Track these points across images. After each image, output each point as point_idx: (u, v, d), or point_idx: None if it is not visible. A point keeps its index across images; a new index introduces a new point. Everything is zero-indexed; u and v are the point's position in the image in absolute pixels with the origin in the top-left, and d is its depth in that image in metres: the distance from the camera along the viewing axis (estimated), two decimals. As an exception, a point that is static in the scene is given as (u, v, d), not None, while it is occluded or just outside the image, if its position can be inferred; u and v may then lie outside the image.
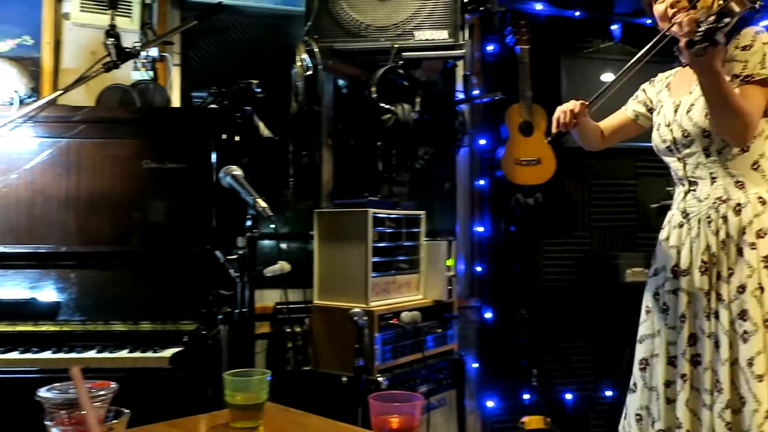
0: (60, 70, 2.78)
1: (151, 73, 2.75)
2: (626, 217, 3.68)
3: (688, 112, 1.86)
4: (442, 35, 2.71)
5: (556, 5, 3.60)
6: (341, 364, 2.48)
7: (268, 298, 2.96)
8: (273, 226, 1.90)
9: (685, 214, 1.90)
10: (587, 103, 2.01)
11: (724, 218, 1.80)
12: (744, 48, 1.77)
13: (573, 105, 2.00)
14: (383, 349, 2.48)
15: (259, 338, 2.92)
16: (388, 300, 2.63)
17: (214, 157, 2.32)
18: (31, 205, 2.26)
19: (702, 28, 1.52)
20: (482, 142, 3.50)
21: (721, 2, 1.56)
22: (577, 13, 3.62)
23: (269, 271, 1.88)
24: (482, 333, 3.47)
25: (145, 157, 2.31)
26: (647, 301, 2.01)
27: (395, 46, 2.67)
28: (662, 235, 2.00)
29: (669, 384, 1.89)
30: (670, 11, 1.83)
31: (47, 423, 0.98)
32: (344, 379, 2.45)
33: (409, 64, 2.76)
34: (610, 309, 3.52)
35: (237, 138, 2.38)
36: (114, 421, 0.99)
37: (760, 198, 1.78)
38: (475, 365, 3.43)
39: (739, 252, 1.77)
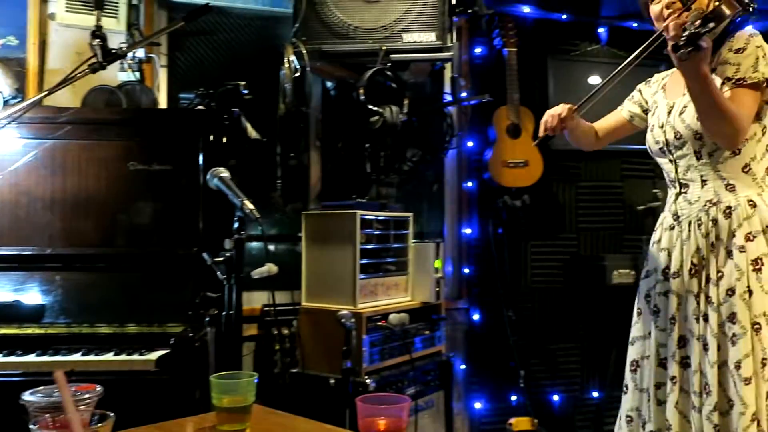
0: (45, 70, 2.76)
1: (137, 74, 2.73)
2: (613, 219, 3.70)
3: (681, 114, 1.87)
4: (429, 37, 2.71)
5: (544, 8, 3.62)
6: (329, 366, 2.47)
7: (255, 300, 2.95)
8: (261, 227, 1.89)
9: (676, 217, 1.91)
10: (575, 107, 2.03)
11: (714, 221, 1.81)
12: (737, 51, 1.77)
13: (561, 109, 2.03)
14: (371, 351, 2.47)
15: (246, 340, 2.91)
16: (376, 302, 2.63)
17: (201, 158, 2.31)
18: (15, 206, 2.24)
19: (686, 33, 1.53)
20: (470, 144, 3.51)
21: (716, 4, 1.58)
22: (564, 16, 3.65)
23: (257, 273, 1.87)
24: (470, 335, 3.48)
25: (132, 159, 2.30)
26: (639, 303, 2.02)
27: (383, 48, 2.67)
28: (654, 237, 2.00)
29: (659, 386, 1.89)
30: (666, 12, 1.82)
31: (32, 427, 0.97)
32: (332, 381, 2.44)
33: (397, 66, 2.77)
34: (597, 311, 3.55)
35: (224, 140, 2.37)
36: (99, 425, 0.98)
37: (750, 201, 1.78)
38: (463, 367, 3.43)
39: (729, 255, 1.77)
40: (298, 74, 2.68)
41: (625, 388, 2.02)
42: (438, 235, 3.44)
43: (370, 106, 2.71)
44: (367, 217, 2.60)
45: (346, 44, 2.71)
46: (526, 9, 3.58)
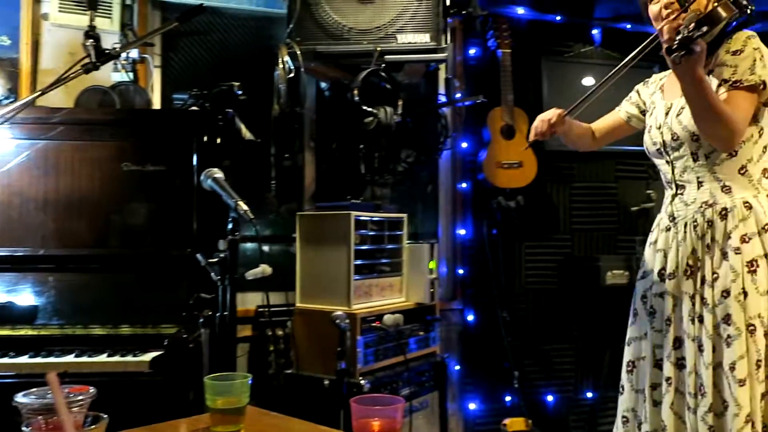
0: (38, 71, 2.75)
1: (131, 74, 2.73)
2: (607, 220, 3.71)
3: (678, 115, 1.87)
4: (424, 39, 2.72)
5: (538, 10, 3.63)
6: (323, 367, 2.47)
7: (250, 301, 2.95)
8: (256, 228, 1.89)
9: (672, 218, 1.91)
10: (565, 112, 2.06)
11: (710, 222, 1.81)
12: (734, 53, 1.76)
13: (551, 114, 2.06)
14: (365, 352, 2.47)
15: (240, 341, 2.91)
16: (371, 303, 2.63)
17: (195, 159, 2.30)
18: (8, 207, 2.23)
19: (678, 37, 1.53)
20: (464, 145, 3.51)
21: (714, 4, 1.58)
22: (558, 18, 3.65)
23: (251, 274, 1.87)
24: (464, 335, 3.48)
25: (125, 160, 2.29)
26: (635, 304, 2.02)
27: (378, 49, 2.67)
28: (650, 238, 2.01)
29: (655, 386, 1.90)
30: (664, 12, 1.82)
31: (24, 429, 0.96)
32: (326, 382, 2.44)
33: (391, 68, 2.77)
34: (591, 311, 3.56)
35: (218, 140, 2.37)
36: (92, 427, 0.98)
37: (746, 203, 1.78)
38: (458, 368, 3.44)
39: (724, 256, 1.77)
40: (292, 75, 2.68)
41: (621, 389, 2.02)
42: (432, 236, 3.44)
43: (365, 107, 2.71)
44: (361, 218, 2.60)
45: (340, 45, 2.71)
46: (520, 10, 3.59)
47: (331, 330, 2.21)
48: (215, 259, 1.82)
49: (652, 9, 1.88)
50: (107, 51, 2.06)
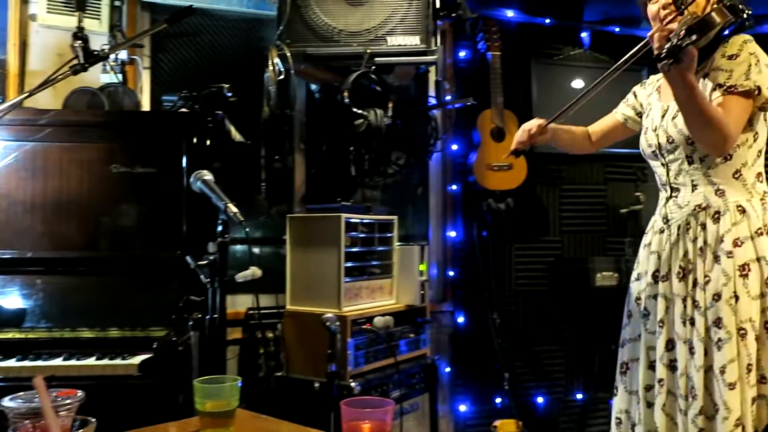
0: (26, 72, 2.73)
1: (120, 76, 2.72)
2: (596, 222, 3.72)
3: (674, 118, 1.86)
4: (414, 41, 2.72)
5: (527, 12, 3.64)
6: (314, 369, 2.47)
7: (240, 304, 2.94)
8: (246, 230, 1.88)
9: (666, 220, 1.92)
10: (545, 123, 2.09)
11: (703, 226, 1.81)
12: (730, 57, 1.76)
13: (531, 125, 2.10)
14: (356, 354, 2.47)
15: (231, 344, 2.90)
16: (361, 305, 2.63)
17: (184, 161, 2.29)
18: (-5, 209, 2.21)
19: (667, 46, 1.53)
20: (454, 147, 3.52)
21: (715, 6, 1.58)
22: (548, 21, 3.67)
23: (240, 276, 1.86)
24: (455, 337, 3.49)
25: (114, 162, 2.28)
26: (629, 305, 2.02)
27: (368, 51, 2.67)
28: (645, 240, 2.01)
29: (649, 388, 1.90)
30: (662, 12, 1.82)
31: (11, 433, 0.95)
32: (317, 384, 2.43)
33: (381, 70, 2.77)
34: (580, 313, 3.57)
35: (208, 142, 2.36)
36: (80, 431, 0.97)
37: (739, 207, 1.78)
38: (448, 369, 3.44)
39: (716, 260, 1.77)
40: (282, 77, 2.68)
41: (615, 390, 2.03)
42: (423, 238, 3.44)
43: (355, 109, 2.70)
44: (351, 220, 2.60)
45: (330, 47, 2.71)
46: (509, 13, 3.60)
47: (322, 332, 2.20)
48: (205, 262, 1.81)
49: (651, 9, 1.88)
50: (96, 52, 2.05)
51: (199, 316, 2.04)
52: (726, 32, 1.72)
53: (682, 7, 1.71)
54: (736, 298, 1.72)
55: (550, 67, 3.65)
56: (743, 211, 1.78)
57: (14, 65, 2.70)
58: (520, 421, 3.27)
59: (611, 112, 2.21)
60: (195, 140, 2.33)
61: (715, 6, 1.57)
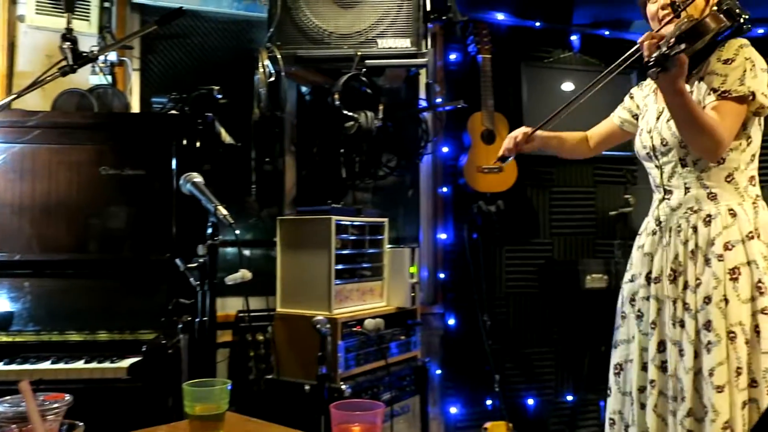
0: (14, 73, 2.71)
1: (109, 77, 2.70)
2: (586, 224, 3.74)
3: (668, 120, 1.86)
4: (404, 43, 2.72)
5: (518, 16, 3.66)
6: (304, 372, 2.46)
7: (230, 306, 2.93)
8: (237, 232, 1.88)
9: (659, 222, 1.92)
10: (531, 131, 2.11)
11: (695, 228, 1.82)
12: (725, 61, 1.76)
13: (517, 132, 2.12)
14: (346, 357, 2.47)
15: (221, 347, 2.89)
16: (352, 307, 2.62)
17: (174, 163, 2.29)
18: (-18, 212, 2.20)
19: (655, 54, 1.54)
20: (445, 149, 3.53)
21: (710, 12, 1.58)
22: (538, 24, 3.69)
23: (230, 279, 1.85)
24: (445, 340, 3.49)
25: (103, 164, 2.26)
26: (623, 306, 2.03)
27: (358, 53, 2.67)
28: (638, 241, 2.01)
29: (642, 389, 1.91)
30: (661, 12, 1.83)
31: (-3, 437, 0.95)
32: (307, 387, 2.43)
33: (372, 72, 2.77)
34: (570, 315, 3.58)
35: (198, 144, 2.35)
36: (68, 435, 0.97)
37: (731, 210, 1.79)
38: (439, 372, 3.44)
39: (707, 263, 1.78)
40: (272, 79, 2.67)
41: (608, 391, 2.04)
42: (413, 241, 3.44)
43: (345, 112, 2.70)
44: (342, 222, 2.59)
45: (320, 49, 2.71)
46: (500, 16, 3.62)
47: (312, 335, 2.20)
48: (194, 264, 1.80)
49: (650, 8, 1.89)
50: (85, 54, 2.05)
51: (189, 318, 2.03)
52: (723, 35, 1.71)
53: (679, 9, 1.71)
54: (726, 301, 1.73)
55: (540, 69, 3.67)
56: (734, 215, 1.78)
57: (2, 66, 2.68)
58: (511, 423, 3.27)
59: (607, 115, 2.21)
60: (185, 142, 2.32)
61: (712, 11, 1.58)
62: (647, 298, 1.92)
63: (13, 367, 1.93)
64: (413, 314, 2.84)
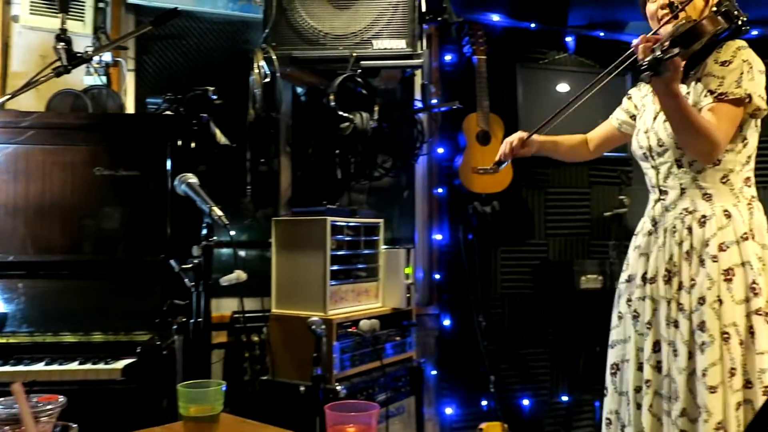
0: (8, 74, 2.70)
1: (104, 78, 2.69)
2: (581, 225, 3.75)
3: (665, 121, 1.86)
4: (400, 44, 2.72)
5: (513, 17, 3.66)
6: (299, 373, 2.46)
7: (225, 307, 2.92)
8: (232, 233, 1.88)
9: (654, 222, 1.93)
10: (526, 136, 2.12)
11: (689, 229, 1.82)
12: (723, 63, 1.76)
13: (513, 138, 2.13)
14: (342, 358, 2.47)
15: (216, 348, 2.88)
16: (347, 308, 2.62)
17: (169, 164, 2.28)
18: (-24, 213, 2.19)
19: (648, 57, 1.54)
20: (440, 150, 3.53)
21: (708, 14, 1.58)
22: (533, 25, 3.70)
23: (225, 280, 1.85)
24: (441, 340, 3.49)
25: (98, 164, 2.26)
26: (620, 306, 2.03)
27: (354, 54, 2.67)
28: (635, 242, 2.02)
29: (638, 389, 1.91)
30: (660, 12, 1.83)
31: (-10, 439, 0.94)
32: (302, 388, 2.43)
33: (367, 73, 2.77)
34: (565, 315, 3.59)
35: (193, 145, 2.34)
36: (61, 436, 0.96)
37: (726, 211, 1.79)
38: (434, 372, 3.44)
39: (702, 263, 1.78)
40: (267, 80, 2.67)
41: (605, 391, 2.04)
42: (409, 241, 3.45)
43: (341, 113, 2.70)
44: (337, 223, 2.59)
45: (316, 50, 2.71)
46: (495, 17, 3.62)
47: (307, 336, 2.20)
48: (189, 265, 1.80)
49: (650, 8, 1.89)
50: (79, 54, 2.05)
51: (184, 319, 2.03)
52: (721, 37, 1.69)
53: (677, 10, 1.71)
54: (720, 302, 1.73)
55: (535, 71, 3.67)
56: (729, 216, 1.79)
57: (-4, 67, 2.67)
58: (506, 423, 3.28)
59: (601, 117, 2.22)
60: (180, 143, 2.31)
61: (710, 12, 1.58)
62: (643, 299, 1.92)
63: (7, 368, 1.92)
64: (408, 315, 2.84)
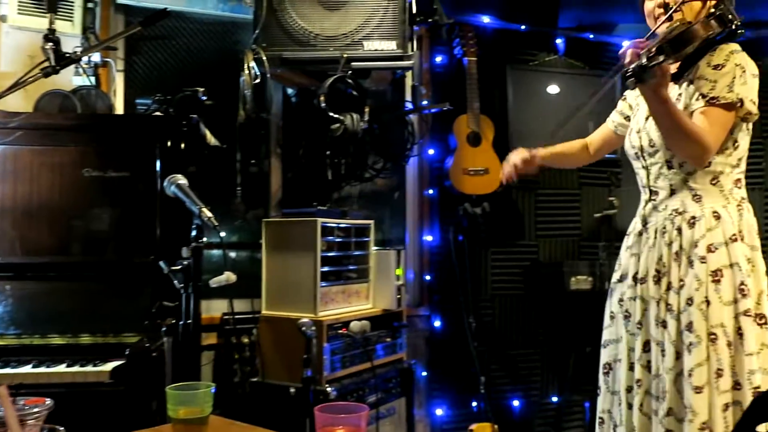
0: (-4, 74, 2.68)
1: (93, 78, 2.68)
2: (571, 226, 3.76)
3: None
4: (390, 46, 2.73)
5: (503, 18, 3.67)
6: (289, 375, 2.45)
7: (215, 309, 2.91)
8: (222, 234, 1.87)
9: (645, 223, 1.94)
10: (528, 155, 2.12)
11: (679, 230, 1.83)
12: (715, 67, 1.76)
13: (515, 159, 2.12)
14: (332, 359, 2.46)
15: (205, 349, 2.87)
16: (337, 309, 2.62)
17: (158, 165, 2.27)
18: (-37, 214, 2.17)
19: (634, 64, 1.55)
20: (431, 152, 3.53)
21: (701, 19, 1.59)
22: (523, 27, 3.71)
23: (215, 281, 1.84)
24: (431, 341, 3.49)
25: (87, 165, 2.24)
26: (612, 306, 2.04)
27: (344, 55, 2.67)
28: (626, 242, 2.03)
29: (630, 389, 1.92)
30: (657, 11, 1.84)
31: (-24, 443, 0.93)
32: (292, 390, 2.42)
33: (358, 74, 2.77)
34: (556, 316, 3.60)
35: (183, 146, 2.34)
36: (48, 440, 0.96)
37: (715, 212, 1.80)
38: (425, 374, 3.44)
39: (690, 264, 1.79)
40: (258, 81, 2.67)
41: (598, 390, 2.05)
42: (399, 243, 3.45)
43: (331, 114, 2.70)
44: (328, 224, 2.59)
45: (306, 51, 2.70)
46: (486, 19, 3.63)
47: (297, 337, 2.19)
48: (179, 267, 1.79)
49: (647, 6, 1.90)
50: (68, 55, 2.03)
51: (173, 321, 2.02)
52: (715, 39, 1.70)
53: (671, 11, 1.71)
54: (708, 303, 1.74)
55: (525, 72, 3.68)
56: (718, 217, 1.79)
57: (-16, 67, 2.65)
58: (496, 424, 3.28)
59: (594, 121, 2.23)
60: (169, 144, 2.30)
61: (708, 14, 1.58)
62: (634, 299, 1.94)
63: (-6, 371, 1.90)
64: (399, 316, 2.84)
